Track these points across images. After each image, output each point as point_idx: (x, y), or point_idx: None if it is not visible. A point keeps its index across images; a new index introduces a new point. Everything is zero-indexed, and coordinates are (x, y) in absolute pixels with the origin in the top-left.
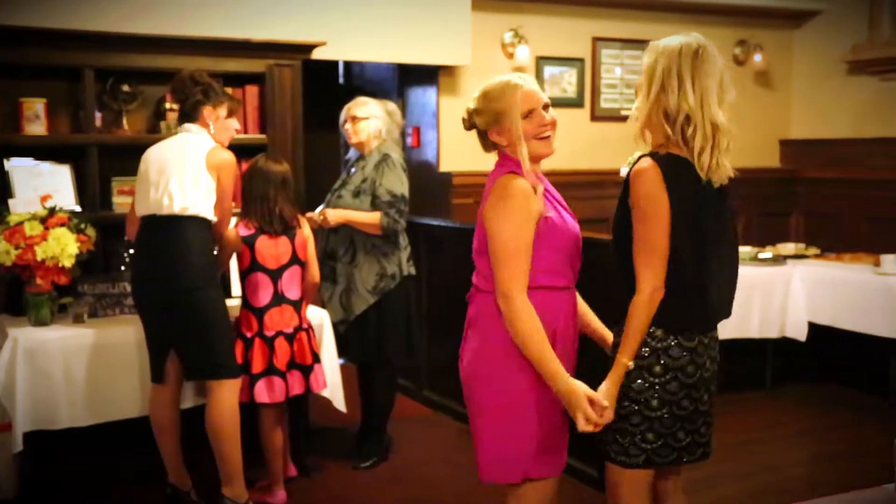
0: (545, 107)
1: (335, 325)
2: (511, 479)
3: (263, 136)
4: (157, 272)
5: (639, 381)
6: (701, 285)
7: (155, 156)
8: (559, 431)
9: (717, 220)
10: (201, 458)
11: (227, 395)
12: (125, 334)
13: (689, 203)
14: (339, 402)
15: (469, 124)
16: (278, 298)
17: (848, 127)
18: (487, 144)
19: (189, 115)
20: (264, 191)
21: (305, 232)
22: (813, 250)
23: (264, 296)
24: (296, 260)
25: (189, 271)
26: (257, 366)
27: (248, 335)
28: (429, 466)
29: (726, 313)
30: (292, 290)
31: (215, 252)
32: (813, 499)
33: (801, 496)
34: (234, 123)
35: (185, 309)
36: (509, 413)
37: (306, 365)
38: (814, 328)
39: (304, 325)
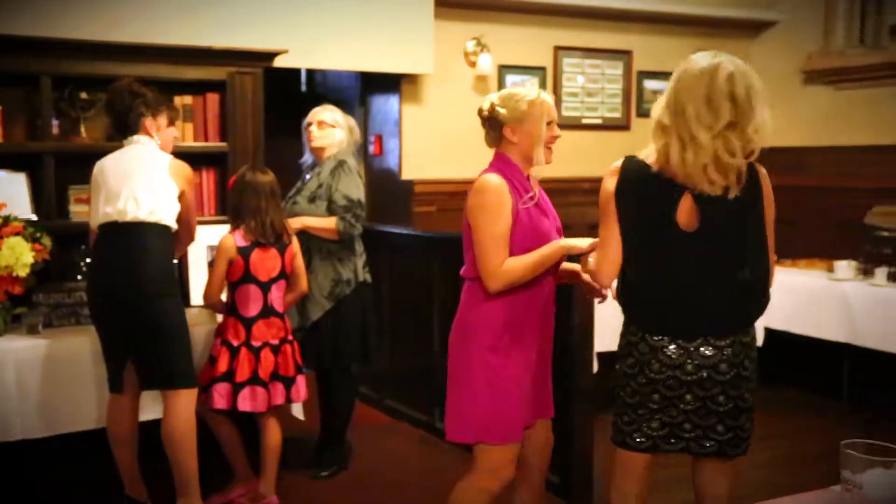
0: (557, 124)
1: (293, 333)
2: (465, 439)
3: (224, 144)
4: (117, 280)
5: (617, 367)
6: (647, 291)
7: (111, 166)
8: (513, 403)
9: (665, 230)
10: (158, 469)
11: (184, 404)
12: (81, 345)
13: (637, 210)
14: (298, 410)
15: (488, 114)
16: (267, 310)
17: (804, 135)
18: (494, 137)
19: (131, 127)
20: (256, 203)
21: (294, 246)
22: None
23: (254, 307)
24: (283, 274)
25: (150, 279)
26: (242, 374)
27: (235, 344)
28: (390, 474)
29: (684, 324)
30: (279, 303)
31: (175, 261)
32: (767, 500)
33: (759, 499)
34: (174, 132)
35: (144, 317)
36: (465, 382)
37: (289, 377)
38: (770, 333)
39: (290, 337)
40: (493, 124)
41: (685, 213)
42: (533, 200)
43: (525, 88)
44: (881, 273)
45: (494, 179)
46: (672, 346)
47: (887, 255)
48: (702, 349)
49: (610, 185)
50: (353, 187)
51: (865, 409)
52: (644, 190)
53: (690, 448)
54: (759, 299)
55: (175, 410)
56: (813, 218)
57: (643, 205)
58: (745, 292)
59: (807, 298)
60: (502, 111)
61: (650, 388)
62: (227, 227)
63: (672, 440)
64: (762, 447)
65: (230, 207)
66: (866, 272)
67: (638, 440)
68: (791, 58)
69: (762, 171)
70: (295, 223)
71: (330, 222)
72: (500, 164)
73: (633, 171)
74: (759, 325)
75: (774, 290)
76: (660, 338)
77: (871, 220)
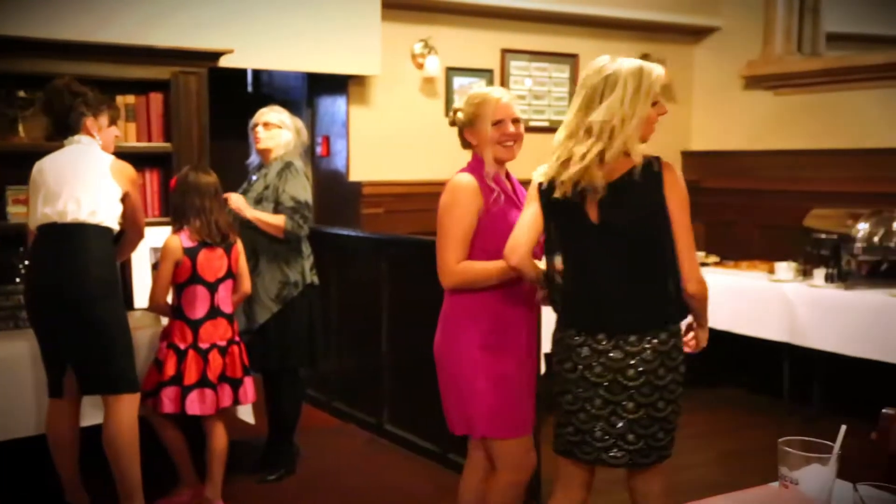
0: (514, 121)
1: (239, 335)
2: (475, 434)
3: (168, 144)
4: (56, 282)
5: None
6: (566, 284)
7: (51, 166)
8: (514, 398)
9: (575, 226)
10: (100, 476)
11: (125, 409)
12: (19, 349)
13: (558, 202)
14: (248, 414)
15: (452, 121)
16: (214, 311)
17: (745, 139)
18: (463, 142)
19: (71, 127)
20: (200, 203)
21: (239, 246)
22: (713, 258)
23: (201, 308)
24: (230, 273)
25: (90, 281)
26: (190, 377)
27: (182, 346)
28: (338, 477)
29: (591, 318)
30: (227, 304)
31: (118, 263)
32: (707, 498)
33: (701, 495)
34: (115, 131)
35: (84, 321)
36: (462, 381)
37: (236, 378)
38: (713, 333)
39: (237, 339)
40: (458, 129)
41: (591, 206)
42: (501, 199)
43: (480, 89)
44: (819, 274)
45: (465, 179)
46: (584, 346)
47: (825, 257)
48: (612, 352)
49: (536, 175)
50: (301, 189)
51: (805, 407)
52: (550, 195)
53: (602, 458)
54: (672, 301)
55: (117, 416)
56: (755, 220)
57: (561, 197)
58: (656, 293)
59: (749, 299)
60: (460, 116)
61: (564, 387)
62: (170, 229)
63: (585, 448)
64: (703, 445)
65: (172, 208)
66: (805, 273)
67: (560, 442)
68: (732, 63)
69: (669, 171)
70: (241, 204)
71: (278, 219)
72: (475, 164)
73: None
74: None
75: (717, 292)
76: (574, 334)
77: (810, 222)
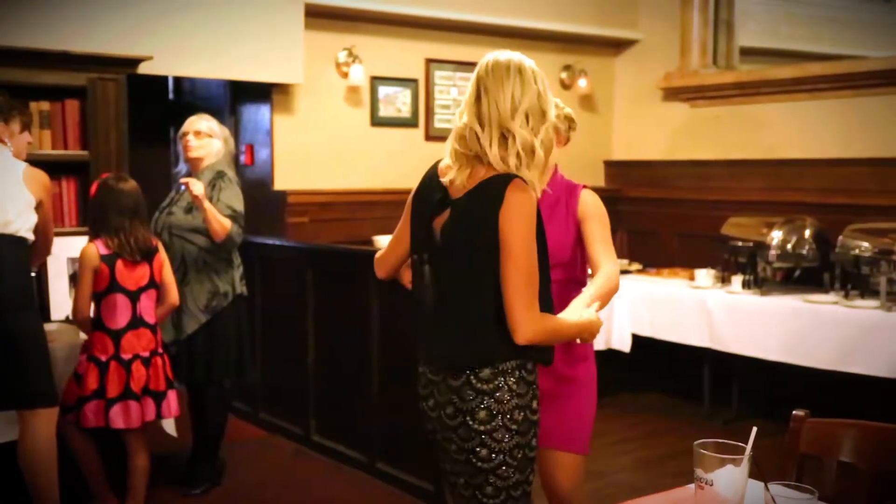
0: None
1: (166, 346)
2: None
3: (85, 152)
4: None
5: None
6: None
7: None
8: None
9: (434, 245)
10: (15, 494)
11: (42, 425)
12: None
13: (414, 213)
14: (172, 427)
15: None
16: (136, 321)
17: (663, 149)
18: None
19: None
20: (119, 222)
21: (162, 255)
22: (635, 265)
23: (122, 318)
24: (153, 283)
25: (4, 293)
26: (113, 390)
27: (103, 359)
28: (264, 489)
29: (427, 352)
30: (149, 314)
31: (32, 274)
32: (624, 502)
33: (621, 500)
34: (28, 138)
35: None
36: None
37: (160, 391)
38: (637, 339)
39: (160, 350)
40: None
41: (440, 220)
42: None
43: None
44: (737, 281)
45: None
46: (424, 377)
47: (742, 264)
48: (441, 384)
49: (415, 186)
50: (235, 198)
51: (724, 411)
52: (426, 192)
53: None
54: (485, 336)
55: (34, 432)
56: (674, 229)
57: (418, 207)
58: (471, 324)
59: (670, 306)
60: None
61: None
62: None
63: (450, 493)
64: (624, 450)
65: (90, 217)
66: (724, 280)
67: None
68: (651, 75)
69: (514, 189)
70: (200, 192)
71: (225, 220)
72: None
73: (428, 173)
74: (627, 332)
75: (640, 299)
76: (421, 363)
77: (727, 230)
